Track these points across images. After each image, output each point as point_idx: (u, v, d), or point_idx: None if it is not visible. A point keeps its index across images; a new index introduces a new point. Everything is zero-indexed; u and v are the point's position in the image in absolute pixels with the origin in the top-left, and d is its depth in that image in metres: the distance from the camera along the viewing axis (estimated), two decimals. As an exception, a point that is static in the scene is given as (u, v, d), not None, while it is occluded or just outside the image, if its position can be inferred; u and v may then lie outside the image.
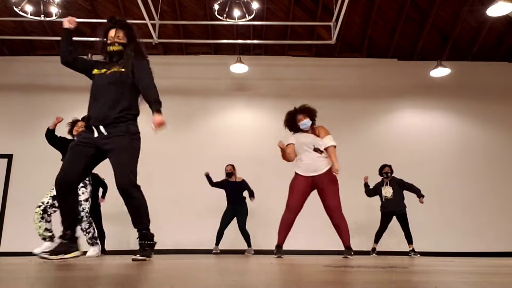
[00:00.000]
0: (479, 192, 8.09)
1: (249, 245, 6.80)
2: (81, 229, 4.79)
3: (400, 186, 6.55)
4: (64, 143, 4.58)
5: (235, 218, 6.80)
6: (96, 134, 2.90)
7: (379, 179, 6.72)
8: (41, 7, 6.16)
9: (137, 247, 2.97)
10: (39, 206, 4.64)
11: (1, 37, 8.09)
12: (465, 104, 8.58)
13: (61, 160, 4.67)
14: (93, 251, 4.89)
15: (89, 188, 4.87)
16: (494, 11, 6.41)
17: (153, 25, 7.07)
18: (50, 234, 4.61)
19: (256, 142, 8.08)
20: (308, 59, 8.85)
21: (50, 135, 4.84)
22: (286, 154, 4.56)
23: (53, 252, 2.77)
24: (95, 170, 3.33)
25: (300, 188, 4.44)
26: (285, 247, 4.47)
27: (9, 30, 8.22)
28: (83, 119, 4.46)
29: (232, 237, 6.99)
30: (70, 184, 2.85)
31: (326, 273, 1.92)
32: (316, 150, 4.46)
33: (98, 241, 5.01)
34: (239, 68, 8.17)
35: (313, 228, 6.94)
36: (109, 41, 3.07)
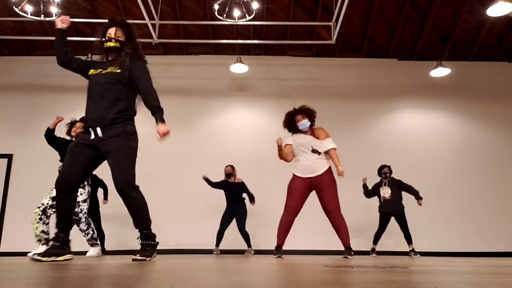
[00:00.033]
0: (479, 192, 8.09)
1: (249, 245, 6.80)
2: (80, 230, 4.78)
3: (399, 187, 6.54)
4: (63, 144, 4.58)
5: (235, 219, 6.81)
6: (92, 136, 2.90)
7: (378, 179, 6.72)
8: (41, 7, 6.15)
9: (137, 247, 2.97)
10: (39, 207, 4.63)
11: (1, 37, 8.09)
12: (465, 104, 8.58)
13: (60, 161, 4.67)
14: (93, 251, 4.88)
15: (87, 188, 4.86)
16: (494, 11, 6.41)
17: (153, 25, 7.07)
18: (46, 236, 4.57)
19: (256, 142, 8.08)
20: (308, 59, 8.85)
21: (50, 135, 4.84)
22: (283, 153, 4.54)
23: (45, 254, 2.78)
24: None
25: (298, 190, 4.43)
26: (285, 247, 4.47)
27: (9, 30, 8.22)
28: (81, 120, 4.46)
29: (232, 237, 7.00)
30: (70, 185, 2.86)
31: (326, 273, 1.91)
32: (314, 151, 4.46)
33: (98, 242, 5.00)
34: (239, 68, 8.17)
35: (313, 228, 6.94)
36: (107, 38, 3.07)
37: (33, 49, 8.72)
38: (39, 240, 4.59)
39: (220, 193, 6.93)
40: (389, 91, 8.65)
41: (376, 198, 6.67)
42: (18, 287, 1.24)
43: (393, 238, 7.16)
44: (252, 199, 6.77)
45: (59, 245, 2.83)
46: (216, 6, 6.09)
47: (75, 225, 4.59)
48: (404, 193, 6.58)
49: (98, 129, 2.89)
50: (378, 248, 6.68)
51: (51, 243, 2.91)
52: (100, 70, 3.01)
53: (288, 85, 8.68)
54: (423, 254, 6.55)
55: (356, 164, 7.19)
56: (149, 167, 7.36)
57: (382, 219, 6.56)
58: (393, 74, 8.75)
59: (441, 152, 8.36)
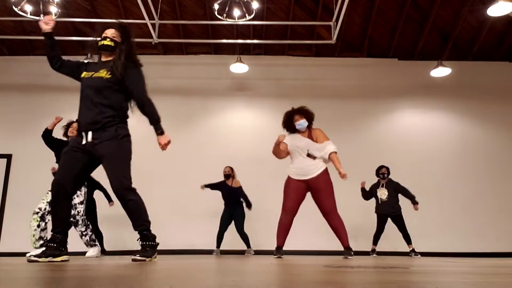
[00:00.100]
0: (479, 192, 8.08)
1: (248, 246, 6.79)
2: (78, 232, 4.77)
3: (396, 189, 6.53)
4: (60, 145, 4.57)
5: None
6: (84, 141, 2.90)
7: (377, 180, 6.71)
8: (41, 6, 6.15)
9: (136, 248, 2.96)
10: (37, 213, 4.60)
11: (1, 37, 8.09)
12: (465, 104, 8.57)
13: (56, 162, 4.66)
14: (92, 251, 4.87)
15: (83, 190, 4.84)
16: (494, 11, 6.41)
17: (153, 25, 7.06)
18: (41, 242, 4.54)
19: (256, 142, 8.07)
20: (308, 59, 8.84)
21: (47, 136, 4.83)
22: (279, 150, 4.55)
23: (42, 255, 2.77)
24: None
25: (294, 190, 4.43)
26: (285, 247, 4.46)
27: (8, 30, 8.22)
28: (78, 120, 4.45)
29: (232, 238, 6.99)
30: (66, 189, 2.86)
31: (326, 273, 1.91)
32: (309, 156, 4.45)
33: (97, 242, 4.99)
34: (239, 68, 8.17)
35: (313, 228, 6.93)
36: (103, 37, 3.06)
37: (32, 49, 8.71)
38: (35, 247, 4.56)
39: (220, 194, 6.93)
40: (389, 91, 8.65)
41: (373, 199, 6.66)
42: (18, 287, 1.23)
43: (393, 238, 7.15)
44: (248, 206, 6.75)
45: (56, 246, 2.83)
46: (216, 6, 6.08)
47: (73, 227, 4.58)
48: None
49: (90, 134, 2.88)
50: (379, 248, 6.67)
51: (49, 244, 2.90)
52: (92, 72, 2.99)
53: (288, 85, 8.67)
54: (423, 254, 6.55)
55: (356, 164, 7.18)
56: (149, 168, 7.35)
57: (379, 220, 6.57)
58: (393, 74, 8.74)
59: (441, 152, 8.36)
